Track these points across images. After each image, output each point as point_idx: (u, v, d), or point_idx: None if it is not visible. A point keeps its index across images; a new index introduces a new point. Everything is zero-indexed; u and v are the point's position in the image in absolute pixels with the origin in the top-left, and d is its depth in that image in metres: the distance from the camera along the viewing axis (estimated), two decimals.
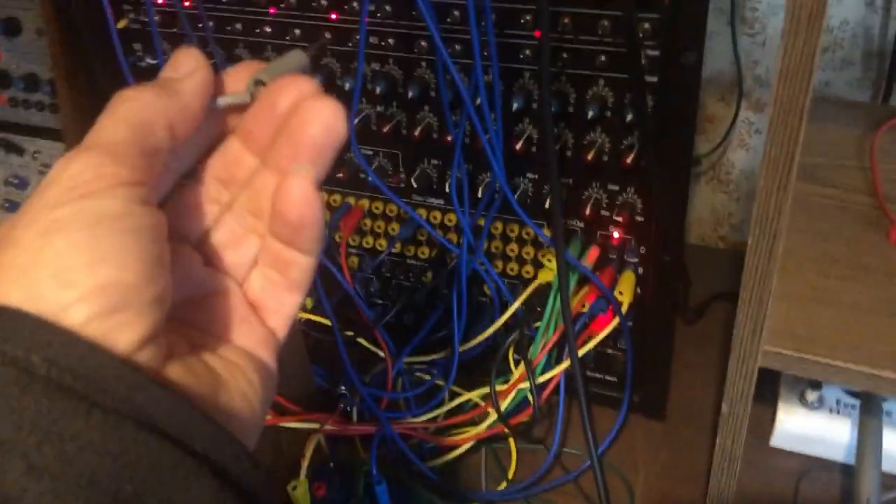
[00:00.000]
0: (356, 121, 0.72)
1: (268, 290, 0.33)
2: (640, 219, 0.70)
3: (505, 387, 0.71)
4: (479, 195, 0.71)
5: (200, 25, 0.72)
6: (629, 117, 0.62)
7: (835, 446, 0.73)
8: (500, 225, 0.74)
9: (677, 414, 0.81)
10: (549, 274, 0.72)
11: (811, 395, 0.74)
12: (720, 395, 0.58)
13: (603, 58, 0.62)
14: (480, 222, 0.73)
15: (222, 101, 0.32)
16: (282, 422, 0.62)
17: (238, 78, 0.32)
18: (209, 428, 0.26)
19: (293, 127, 0.30)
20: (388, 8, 0.66)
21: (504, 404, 0.72)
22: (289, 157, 0.30)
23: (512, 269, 0.76)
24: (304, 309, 0.80)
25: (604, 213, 0.70)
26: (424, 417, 0.74)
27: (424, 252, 0.79)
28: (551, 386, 0.71)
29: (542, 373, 0.71)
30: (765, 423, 0.77)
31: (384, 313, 0.77)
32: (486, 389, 0.74)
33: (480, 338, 0.74)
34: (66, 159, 0.27)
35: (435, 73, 0.67)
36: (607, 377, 0.80)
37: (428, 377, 0.78)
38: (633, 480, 0.77)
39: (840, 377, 0.53)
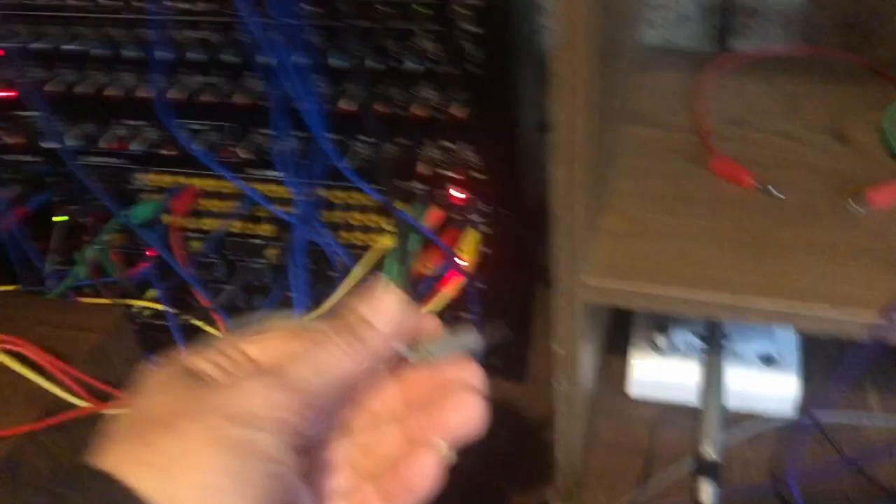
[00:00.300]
0: (175, 93, 0.68)
1: None
2: (478, 176, 0.69)
3: None
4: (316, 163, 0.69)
5: None
6: (454, 70, 0.61)
7: (688, 390, 0.73)
8: (340, 193, 0.72)
9: (542, 375, 0.81)
10: (390, 239, 0.71)
11: (661, 341, 0.75)
12: None
13: (423, 9, 0.61)
14: (326, 193, 0.71)
15: (413, 357, 0.35)
16: (106, 408, 0.58)
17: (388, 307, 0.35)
18: None
19: (443, 406, 0.34)
20: None
21: None
22: (426, 428, 0.34)
23: (358, 239, 0.74)
24: (143, 297, 0.76)
25: (441, 171, 0.69)
26: None
27: (266, 229, 0.76)
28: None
29: None
30: (622, 373, 0.77)
31: (223, 295, 0.74)
32: None
33: (323, 308, 0.71)
34: (259, 380, 0.31)
35: (251, 35, 0.64)
36: None
37: None
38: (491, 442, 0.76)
39: (662, 305, 0.53)
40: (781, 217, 0.56)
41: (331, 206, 0.72)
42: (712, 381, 0.69)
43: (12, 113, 0.74)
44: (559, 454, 0.65)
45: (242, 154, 0.70)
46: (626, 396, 0.77)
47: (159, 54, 0.66)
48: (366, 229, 0.73)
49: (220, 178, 0.73)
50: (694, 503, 0.66)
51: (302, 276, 0.70)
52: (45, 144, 0.75)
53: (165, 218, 0.75)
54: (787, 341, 0.74)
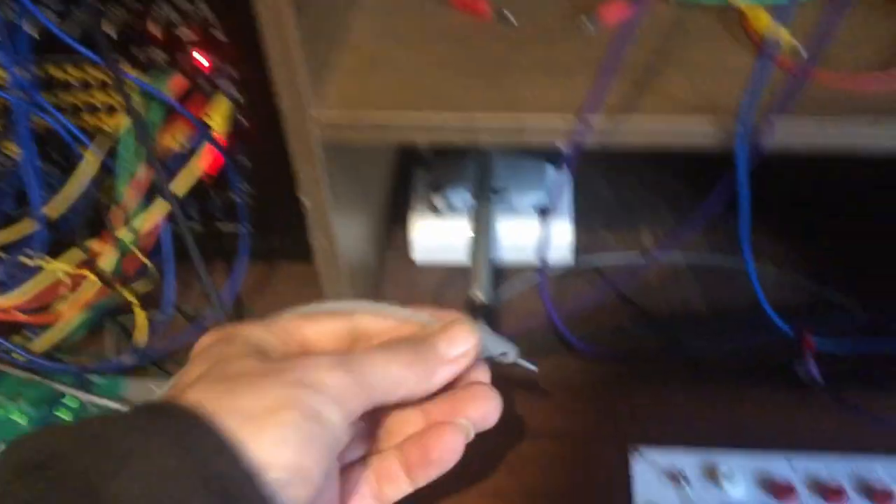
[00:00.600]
0: None
1: (361, 493, 0.41)
2: (222, 38, 0.64)
3: (97, 242, 0.64)
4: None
5: None
6: None
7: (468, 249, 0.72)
8: (73, 71, 0.65)
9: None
10: (127, 115, 0.65)
11: (438, 201, 0.73)
12: None
13: None
14: (54, 71, 0.64)
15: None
16: None
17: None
18: None
19: (464, 398, 0.40)
20: None
21: (107, 264, 0.64)
22: (448, 412, 0.40)
23: (94, 120, 0.67)
24: None
25: (180, 33, 0.63)
26: (15, 299, 0.65)
27: None
28: (154, 235, 0.64)
29: (138, 219, 0.64)
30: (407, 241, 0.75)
31: None
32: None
33: (68, 197, 0.65)
34: (334, 361, 0.34)
35: None
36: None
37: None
38: None
39: (398, 134, 0.51)
40: (517, 41, 0.55)
41: (56, 83, 0.65)
42: (480, 230, 0.68)
43: None
44: None
45: None
46: (413, 263, 0.76)
47: None
48: (106, 109, 0.67)
49: None
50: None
51: (33, 165, 0.63)
52: None
53: None
54: (559, 190, 0.75)
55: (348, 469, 0.41)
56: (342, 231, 0.58)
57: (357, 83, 0.52)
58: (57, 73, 0.65)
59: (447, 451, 0.39)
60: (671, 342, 0.68)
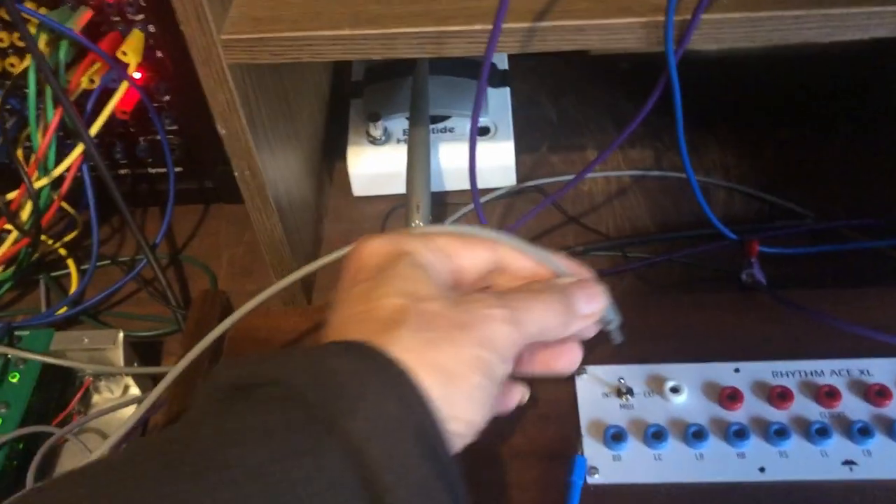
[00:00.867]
0: None
1: None
2: None
3: (14, 194, 0.61)
4: None
5: None
6: None
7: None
8: None
9: None
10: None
11: (375, 130, 0.70)
12: None
13: None
14: None
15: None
16: None
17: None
18: None
19: (555, 348, 0.41)
20: None
21: (24, 214, 0.61)
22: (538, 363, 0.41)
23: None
24: None
25: None
26: None
27: None
28: (69, 179, 0.61)
29: (55, 166, 0.61)
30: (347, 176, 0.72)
31: None
32: None
33: None
34: (504, 315, 0.36)
35: None
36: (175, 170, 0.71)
37: None
38: (215, 267, 0.70)
39: (314, 50, 0.48)
40: None
41: None
42: (415, 155, 0.66)
43: None
44: (266, 254, 0.60)
45: None
46: (354, 198, 0.74)
47: None
48: (15, 52, 0.63)
49: None
50: None
51: None
52: None
53: None
54: (501, 112, 0.72)
55: None
56: (268, 161, 0.56)
57: (266, 4, 0.49)
58: None
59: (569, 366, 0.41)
60: (617, 257, 0.66)
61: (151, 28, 0.63)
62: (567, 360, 0.41)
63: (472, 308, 0.35)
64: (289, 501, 0.28)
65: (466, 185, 0.59)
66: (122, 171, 0.72)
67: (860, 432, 0.44)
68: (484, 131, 0.71)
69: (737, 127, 0.74)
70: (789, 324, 0.50)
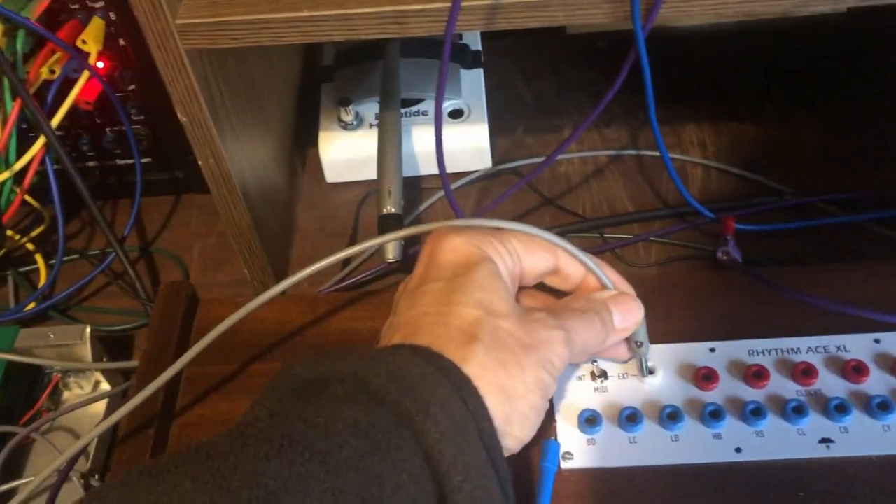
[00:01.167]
0: None
1: None
2: None
3: None
4: None
5: None
6: None
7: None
8: None
9: None
10: None
11: (346, 115, 0.69)
12: None
13: None
14: None
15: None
16: None
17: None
18: None
19: None
20: None
21: None
22: None
23: None
24: None
25: None
26: None
27: None
28: (31, 172, 0.60)
29: (17, 159, 0.60)
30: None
31: None
32: None
33: None
34: (560, 336, 0.38)
35: None
36: (143, 161, 0.70)
37: None
38: (186, 258, 0.69)
39: (270, 33, 0.47)
40: None
41: None
42: (386, 139, 0.65)
43: None
44: (235, 244, 0.59)
45: None
46: (328, 184, 0.73)
47: None
48: None
49: None
50: (389, 264, 0.63)
51: None
52: None
53: None
54: (474, 94, 0.71)
55: None
56: (233, 149, 0.54)
57: None
58: None
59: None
60: (594, 238, 0.65)
61: (112, 15, 0.61)
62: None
63: (536, 329, 0.37)
64: (375, 494, 0.30)
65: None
66: (90, 163, 0.70)
67: (837, 409, 0.43)
68: (457, 114, 0.70)
69: (715, 103, 0.73)
70: (766, 302, 0.49)
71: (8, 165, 0.60)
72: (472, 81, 0.72)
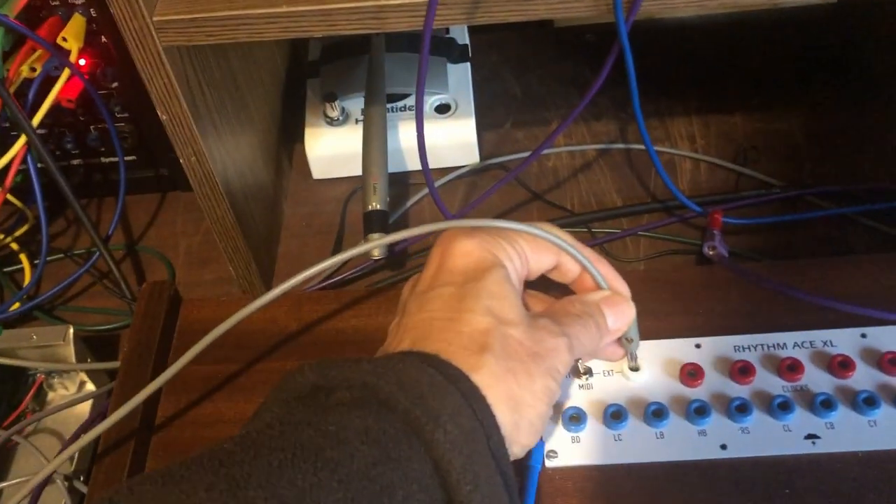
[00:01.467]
0: None
1: None
2: None
3: None
4: None
5: None
6: None
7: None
8: None
9: None
10: None
11: (332, 111, 0.69)
12: None
13: None
14: None
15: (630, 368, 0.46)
16: None
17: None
18: None
19: None
20: None
21: None
22: None
23: None
24: None
25: None
26: None
27: None
28: (13, 171, 0.59)
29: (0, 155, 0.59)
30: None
31: None
32: None
33: None
34: (566, 343, 0.38)
35: None
36: (127, 158, 0.69)
37: None
38: (172, 257, 0.69)
39: (249, 30, 0.46)
40: None
41: None
42: (371, 134, 0.64)
43: None
44: (219, 241, 0.59)
45: None
46: (314, 181, 0.72)
47: None
48: None
49: None
50: (375, 261, 0.62)
51: None
52: None
53: None
54: (461, 88, 0.71)
55: None
56: (214, 146, 0.54)
57: None
58: None
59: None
60: (582, 233, 0.65)
61: (93, 12, 0.61)
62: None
63: (543, 338, 0.37)
64: (386, 503, 0.30)
65: (432, 161, 0.57)
66: (75, 162, 0.70)
67: (823, 405, 0.43)
68: (444, 108, 0.70)
69: (704, 96, 0.72)
70: (752, 297, 0.49)
71: None
72: (460, 76, 0.71)
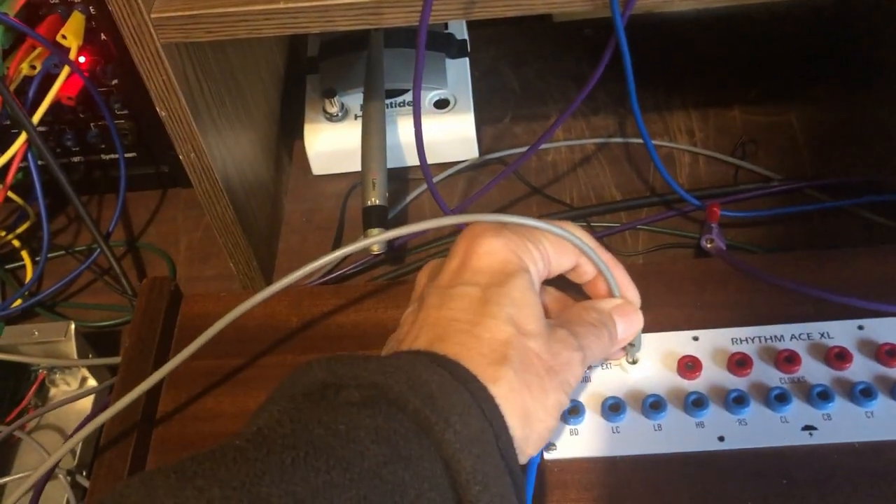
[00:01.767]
0: None
1: None
2: None
3: None
4: None
5: None
6: None
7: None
8: None
9: None
10: None
11: (331, 107, 0.69)
12: None
13: None
14: None
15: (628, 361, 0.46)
16: None
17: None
18: None
19: None
20: None
21: None
22: None
23: None
24: None
25: None
26: None
27: None
28: (13, 169, 0.59)
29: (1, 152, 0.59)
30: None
31: None
32: None
33: None
34: (579, 357, 0.39)
35: None
36: (128, 155, 0.69)
37: None
38: (173, 253, 0.69)
39: (246, 27, 0.47)
40: None
41: None
42: (369, 130, 0.64)
43: None
44: (219, 237, 0.59)
45: None
46: (314, 177, 0.72)
47: None
48: None
49: None
50: (374, 257, 0.62)
51: None
52: None
53: None
54: (460, 83, 0.71)
55: None
56: (214, 143, 0.54)
57: None
58: None
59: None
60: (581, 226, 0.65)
61: (92, 9, 0.61)
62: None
63: (559, 351, 0.38)
64: (398, 502, 0.30)
65: (428, 160, 0.57)
66: (75, 159, 0.70)
67: (820, 396, 0.43)
68: (443, 104, 0.70)
69: (703, 90, 0.72)
70: (749, 289, 0.49)
71: None
72: (458, 71, 0.71)
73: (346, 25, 0.46)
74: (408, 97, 0.70)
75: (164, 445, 0.47)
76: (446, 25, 0.73)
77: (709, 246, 0.55)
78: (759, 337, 0.47)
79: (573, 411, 0.44)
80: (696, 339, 0.47)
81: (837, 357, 0.44)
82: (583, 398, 0.45)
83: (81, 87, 0.62)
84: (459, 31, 0.74)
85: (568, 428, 0.44)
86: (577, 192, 0.68)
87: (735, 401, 0.43)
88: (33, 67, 0.60)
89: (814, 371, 0.45)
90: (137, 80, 0.56)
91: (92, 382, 0.59)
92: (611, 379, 0.46)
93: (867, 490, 0.40)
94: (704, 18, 0.77)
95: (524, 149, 0.70)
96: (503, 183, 0.66)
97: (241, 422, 0.34)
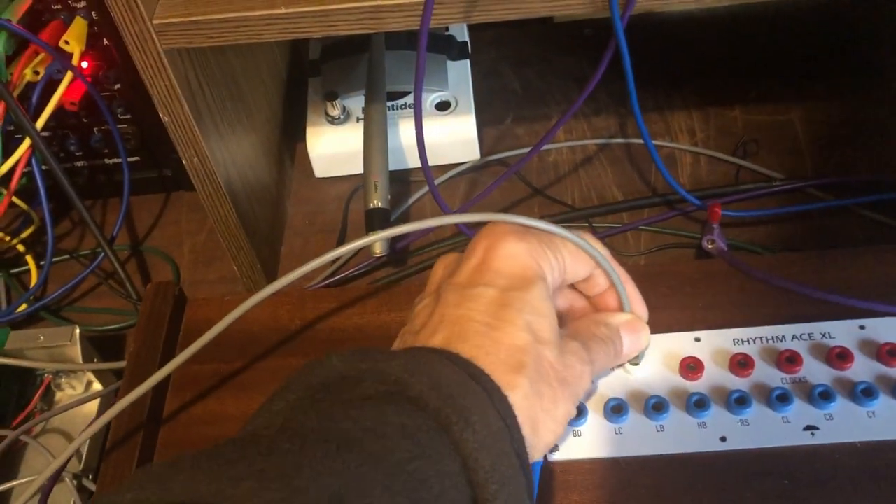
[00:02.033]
0: None
1: None
2: None
3: None
4: None
5: None
6: None
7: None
8: None
9: None
10: None
11: (333, 109, 0.69)
12: None
13: None
14: None
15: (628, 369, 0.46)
16: None
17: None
18: None
19: None
20: None
21: None
22: None
23: None
24: None
25: None
26: None
27: None
28: (18, 174, 0.60)
29: (4, 161, 0.60)
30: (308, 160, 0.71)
31: None
32: None
33: None
34: (590, 370, 0.40)
35: None
36: (131, 159, 0.70)
37: None
38: (177, 256, 0.69)
39: (246, 31, 0.47)
40: None
41: None
42: (371, 132, 0.64)
43: None
44: (222, 240, 0.59)
45: None
46: (317, 179, 0.72)
47: None
48: None
49: None
50: (377, 259, 0.63)
51: None
52: None
53: None
54: (461, 85, 0.71)
55: None
56: (216, 146, 0.54)
57: None
58: None
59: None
60: (583, 227, 0.65)
61: (94, 15, 0.61)
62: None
63: (572, 363, 0.39)
64: (424, 497, 0.31)
65: (429, 162, 0.57)
66: (79, 163, 0.70)
67: (821, 396, 0.43)
68: (444, 106, 0.70)
69: (704, 90, 0.72)
70: (750, 290, 0.49)
71: None
72: (459, 73, 0.71)
73: (347, 30, 0.46)
74: (409, 99, 0.70)
75: (170, 448, 0.47)
76: (447, 28, 0.73)
77: (710, 247, 0.55)
78: (761, 337, 0.47)
79: (576, 412, 0.44)
80: (697, 339, 0.47)
81: (839, 357, 0.44)
82: (585, 399, 0.45)
83: (84, 92, 0.62)
84: (460, 33, 0.74)
85: (570, 429, 0.44)
86: (579, 192, 0.68)
87: (737, 401, 0.44)
88: (37, 73, 0.60)
89: (815, 371, 0.45)
90: (140, 84, 0.56)
91: (97, 386, 0.59)
92: (613, 380, 0.46)
93: (869, 490, 0.40)
94: (705, 18, 0.77)
95: (526, 150, 0.70)
96: (505, 184, 0.67)
97: (252, 413, 0.35)
